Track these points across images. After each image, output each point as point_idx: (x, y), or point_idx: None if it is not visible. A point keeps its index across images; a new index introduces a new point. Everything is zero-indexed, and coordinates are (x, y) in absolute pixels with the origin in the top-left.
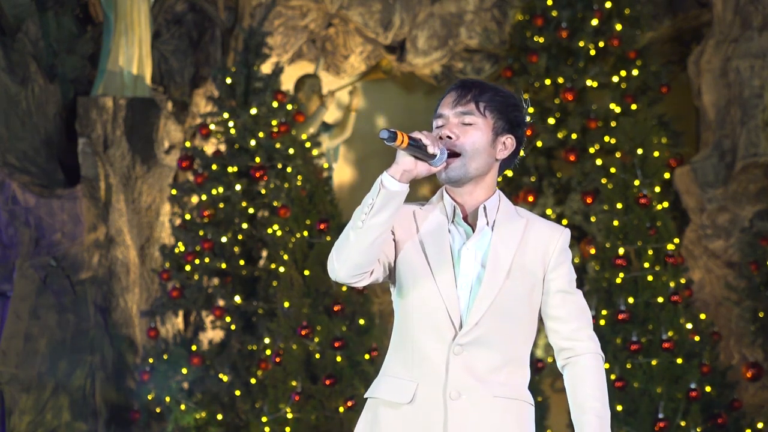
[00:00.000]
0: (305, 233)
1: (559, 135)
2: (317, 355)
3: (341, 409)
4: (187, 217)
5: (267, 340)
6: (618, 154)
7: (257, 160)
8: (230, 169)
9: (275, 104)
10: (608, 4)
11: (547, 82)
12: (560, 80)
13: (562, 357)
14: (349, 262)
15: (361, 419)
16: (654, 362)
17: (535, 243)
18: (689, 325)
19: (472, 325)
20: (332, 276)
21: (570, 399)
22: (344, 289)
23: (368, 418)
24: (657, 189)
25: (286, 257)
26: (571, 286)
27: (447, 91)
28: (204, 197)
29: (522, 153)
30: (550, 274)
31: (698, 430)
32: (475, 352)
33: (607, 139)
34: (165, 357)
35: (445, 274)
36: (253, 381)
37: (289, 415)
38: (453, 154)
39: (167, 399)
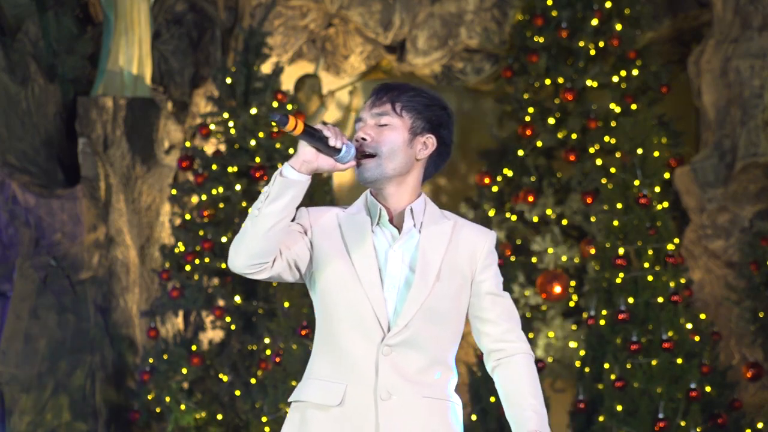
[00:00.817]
0: None
1: (559, 135)
2: None
3: None
4: (187, 217)
5: (267, 340)
6: (618, 154)
7: (257, 160)
8: (230, 169)
9: (275, 104)
10: (608, 4)
11: (547, 82)
12: (560, 80)
13: (493, 359)
14: (246, 251)
15: (287, 422)
16: (654, 362)
17: (463, 245)
18: (689, 325)
19: (401, 327)
20: (231, 266)
21: (505, 399)
22: None
23: (295, 420)
24: (657, 189)
25: None
26: (500, 288)
27: (370, 94)
28: (204, 197)
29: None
30: (479, 276)
31: (698, 430)
32: (404, 353)
33: (607, 139)
34: (165, 357)
35: (371, 276)
36: (253, 381)
37: None
38: (369, 155)
39: (167, 399)
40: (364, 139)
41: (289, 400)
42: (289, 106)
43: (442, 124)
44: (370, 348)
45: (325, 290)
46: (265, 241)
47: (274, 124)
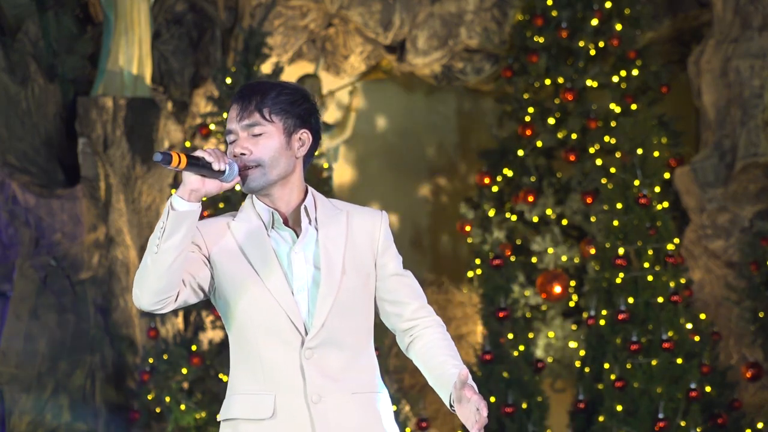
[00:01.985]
0: None
1: (559, 135)
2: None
3: None
4: None
5: None
6: (618, 154)
7: None
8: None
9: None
10: (608, 4)
11: (547, 82)
12: (560, 80)
13: (407, 336)
14: (150, 289)
15: None
16: (654, 362)
17: (360, 233)
18: (689, 325)
19: (318, 327)
20: (136, 304)
21: (425, 367)
22: None
23: None
24: (657, 189)
25: None
26: (401, 267)
27: (232, 102)
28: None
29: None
30: (381, 259)
31: (698, 430)
32: (326, 352)
33: (607, 139)
34: (165, 357)
35: (276, 281)
36: None
37: None
38: (251, 168)
39: (167, 399)
40: (243, 154)
41: (218, 419)
42: None
43: (311, 115)
44: (292, 354)
45: (234, 304)
46: (168, 276)
47: (157, 162)
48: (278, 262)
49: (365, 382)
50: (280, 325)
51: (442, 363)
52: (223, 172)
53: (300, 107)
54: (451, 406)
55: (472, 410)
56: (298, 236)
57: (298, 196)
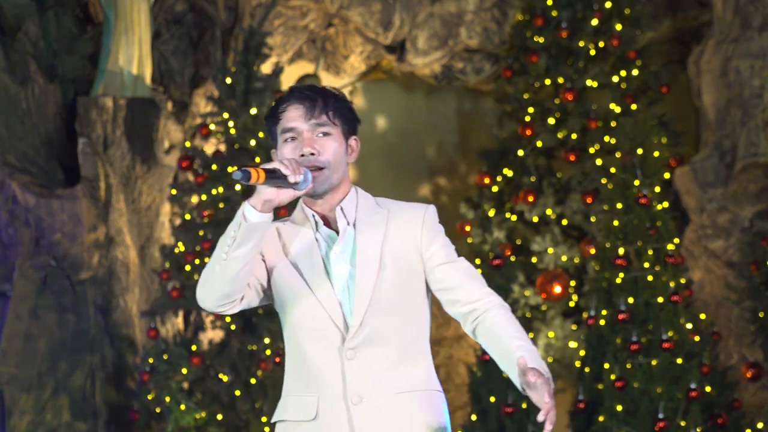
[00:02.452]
0: None
1: (559, 135)
2: None
3: None
4: (187, 217)
5: (267, 340)
6: (618, 154)
7: (257, 160)
8: (230, 169)
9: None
10: (608, 4)
11: (547, 82)
12: (560, 80)
13: (469, 321)
14: (216, 293)
15: None
16: (654, 362)
17: (401, 230)
18: (689, 325)
19: (357, 326)
20: (201, 305)
21: (493, 350)
22: None
23: None
24: (657, 189)
25: None
26: (452, 256)
27: (286, 101)
28: (204, 197)
29: (522, 153)
30: (426, 252)
31: (698, 430)
32: (368, 352)
33: (607, 139)
34: (165, 357)
35: (321, 283)
36: (253, 381)
37: None
38: (316, 169)
39: (167, 399)
40: (312, 153)
41: (272, 420)
42: None
43: (357, 123)
44: (333, 355)
45: (284, 307)
46: (234, 283)
47: (237, 180)
48: (322, 263)
49: (411, 380)
50: (323, 326)
51: (506, 346)
52: (299, 182)
53: (353, 114)
54: (523, 390)
55: (542, 396)
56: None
57: (340, 199)
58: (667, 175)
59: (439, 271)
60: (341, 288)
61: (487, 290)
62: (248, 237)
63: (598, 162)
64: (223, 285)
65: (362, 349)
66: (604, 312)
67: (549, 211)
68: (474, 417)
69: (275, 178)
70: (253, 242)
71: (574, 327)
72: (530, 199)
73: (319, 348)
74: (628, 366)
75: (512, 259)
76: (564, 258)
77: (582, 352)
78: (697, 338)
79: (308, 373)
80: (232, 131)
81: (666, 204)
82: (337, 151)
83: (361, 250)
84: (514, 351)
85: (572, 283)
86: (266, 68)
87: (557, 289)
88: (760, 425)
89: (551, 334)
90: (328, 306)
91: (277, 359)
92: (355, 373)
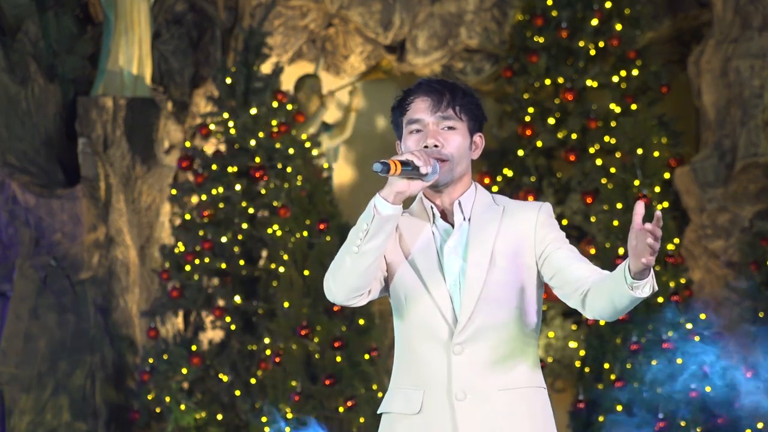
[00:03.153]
0: (305, 233)
1: (559, 135)
2: (317, 355)
3: (341, 409)
4: (187, 217)
5: (267, 340)
6: (618, 154)
7: (257, 160)
8: (230, 169)
9: (275, 104)
10: (608, 4)
11: (547, 82)
12: (560, 80)
13: (580, 299)
14: (347, 286)
15: None
16: (654, 362)
17: (515, 227)
18: (689, 325)
19: (465, 321)
20: (330, 298)
21: (604, 297)
22: None
23: None
24: (657, 189)
25: (286, 257)
26: (564, 245)
27: (414, 93)
28: (204, 197)
29: (522, 153)
30: (539, 246)
31: (698, 430)
32: (475, 347)
33: (607, 139)
34: (165, 357)
35: (435, 277)
36: (253, 381)
37: (289, 415)
38: (440, 161)
39: (167, 399)
40: (435, 145)
41: (378, 411)
42: (290, 107)
43: (484, 121)
44: (441, 350)
45: (396, 297)
46: (366, 275)
47: (377, 172)
48: (436, 257)
49: (516, 377)
50: (433, 320)
51: (611, 275)
52: (428, 174)
53: (480, 111)
54: (631, 283)
55: (647, 238)
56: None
57: (460, 193)
58: (667, 175)
59: (551, 258)
60: (453, 282)
61: (594, 268)
62: (380, 229)
63: (598, 162)
64: (356, 278)
65: (469, 345)
66: None
67: None
68: None
69: (410, 170)
70: (385, 234)
71: (574, 327)
72: (530, 199)
73: (427, 341)
74: (628, 366)
75: None
76: None
77: (582, 352)
78: (697, 338)
79: (416, 367)
80: (232, 131)
81: (666, 204)
82: (461, 145)
83: (474, 245)
84: (618, 269)
85: None
86: (266, 68)
87: None
88: (760, 425)
89: (551, 334)
90: (439, 300)
91: (277, 359)
92: (461, 369)
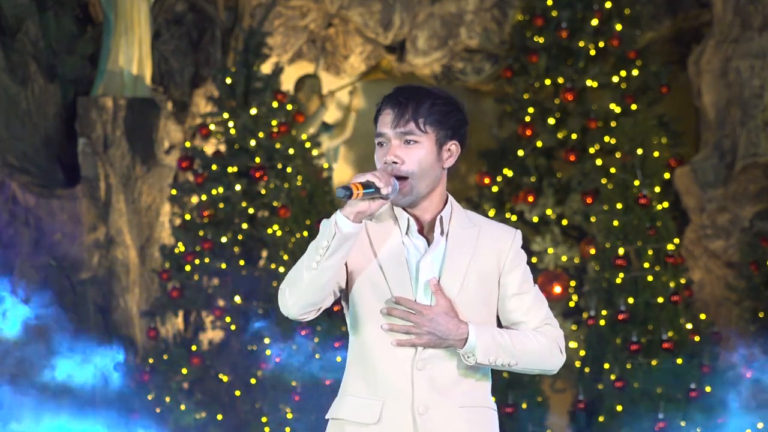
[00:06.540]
0: (305, 233)
1: (559, 135)
2: (317, 355)
3: None
4: (187, 217)
5: (267, 340)
6: (618, 154)
7: (257, 160)
8: (230, 169)
9: (275, 104)
10: (608, 4)
11: (547, 82)
12: (560, 80)
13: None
14: (303, 300)
15: None
16: (654, 362)
17: (489, 249)
18: (689, 325)
19: None
20: (283, 311)
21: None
22: None
23: None
24: (657, 189)
25: (286, 257)
26: (523, 287)
27: (383, 104)
28: (204, 197)
29: (522, 153)
30: (505, 277)
31: (698, 430)
32: (437, 364)
33: (607, 139)
34: (165, 357)
35: (403, 289)
36: (253, 381)
37: (289, 416)
38: (403, 178)
39: (167, 399)
40: (395, 162)
41: (326, 417)
42: (289, 107)
43: (462, 126)
44: (405, 363)
45: (357, 304)
46: (323, 291)
47: (340, 198)
48: (408, 270)
49: (475, 396)
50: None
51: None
52: (389, 193)
53: (452, 119)
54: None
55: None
56: (429, 245)
57: (438, 206)
58: (667, 175)
59: (509, 302)
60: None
61: (550, 323)
62: (341, 246)
63: (598, 162)
64: (313, 293)
65: (432, 361)
66: (604, 312)
67: (549, 211)
68: None
69: (371, 191)
70: (344, 251)
71: (574, 327)
72: (530, 199)
73: (390, 354)
74: (628, 366)
75: None
76: (564, 258)
77: (582, 352)
78: (697, 338)
79: (374, 376)
80: (232, 131)
81: (666, 204)
82: (423, 160)
83: (450, 263)
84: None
85: (572, 283)
86: (266, 68)
87: (557, 289)
88: (760, 425)
89: None
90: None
91: (277, 359)
92: (423, 384)
